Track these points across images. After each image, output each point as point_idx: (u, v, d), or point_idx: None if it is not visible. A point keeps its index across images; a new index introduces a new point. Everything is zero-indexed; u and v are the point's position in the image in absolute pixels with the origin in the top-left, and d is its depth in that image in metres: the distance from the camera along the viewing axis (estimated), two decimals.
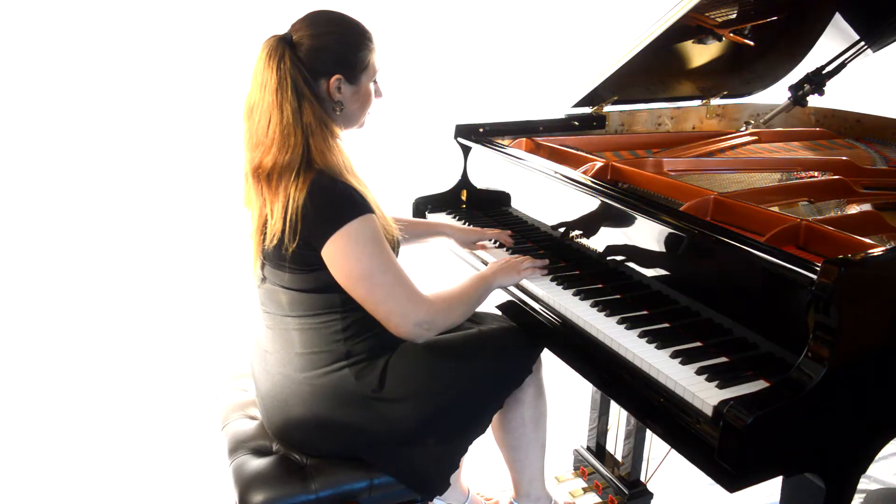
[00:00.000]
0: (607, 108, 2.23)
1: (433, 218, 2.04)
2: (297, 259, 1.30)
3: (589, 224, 1.57)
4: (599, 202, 1.52)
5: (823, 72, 2.10)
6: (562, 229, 1.68)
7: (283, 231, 1.26)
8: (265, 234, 1.30)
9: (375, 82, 1.42)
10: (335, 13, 1.36)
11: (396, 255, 1.39)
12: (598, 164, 1.75)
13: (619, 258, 1.48)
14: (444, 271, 1.94)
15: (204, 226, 3.38)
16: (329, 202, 1.26)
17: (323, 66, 1.31)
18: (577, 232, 1.61)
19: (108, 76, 3.22)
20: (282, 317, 1.37)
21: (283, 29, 1.35)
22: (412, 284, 1.33)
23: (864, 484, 2.07)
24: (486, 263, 1.70)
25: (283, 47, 1.28)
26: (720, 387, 1.10)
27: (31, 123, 3.19)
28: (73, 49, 3.14)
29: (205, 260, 3.33)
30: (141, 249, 3.35)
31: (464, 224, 1.95)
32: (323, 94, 1.33)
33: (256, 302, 1.44)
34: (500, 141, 2.01)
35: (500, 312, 1.65)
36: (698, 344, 1.24)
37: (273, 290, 1.37)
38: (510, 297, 1.61)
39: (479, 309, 1.65)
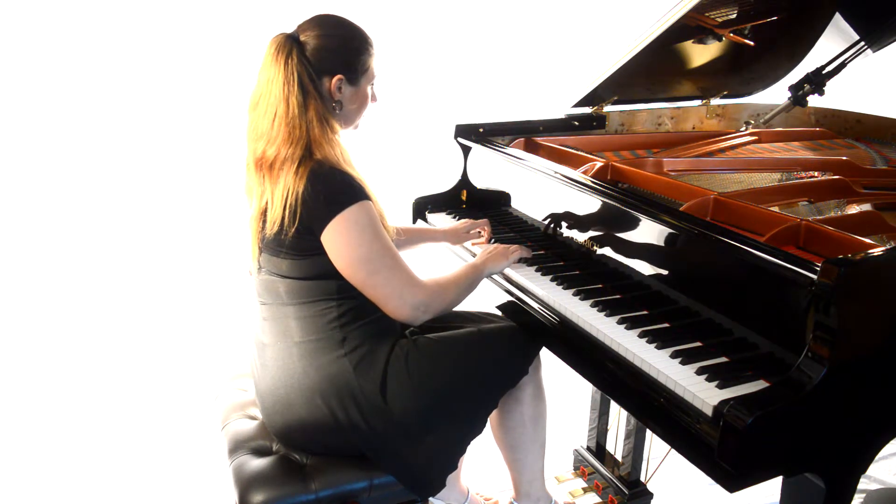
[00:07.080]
0: (607, 108, 2.23)
1: (433, 219, 2.04)
2: (294, 245, 1.33)
3: (589, 224, 1.57)
4: (599, 202, 1.52)
5: (823, 72, 2.10)
6: (561, 229, 1.68)
7: (282, 217, 1.30)
8: (265, 221, 1.35)
9: (372, 86, 1.49)
10: (341, 17, 1.43)
11: None
12: (598, 164, 1.75)
13: (619, 258, 1.48)
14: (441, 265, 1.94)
15: (203, 226, 3.38)
16: (329, 188, 1.31)
17: (327, 66, 1.38)
18: (577, 232, 1.61)
19: (104, 73, 3.22)
20: (279, 306, 1.40)
21: (283, 29, 1.39)
22: (409, 269, 1.38)
23: (864, 484, 2.07)
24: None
25: (291, 44, 1.34)
26: (720, 387, 1.10)
27: (26, 117, 3.19)
28: (71, 46, 3.14)
29: (204, 260, 3.33)
30: (140, 250, 3.35)
31: (455, 218, 1.96)
32: (325, 92, 1.39)
33: (253, 293, 1.47)
34: (500, 141, 2.01)
35: (500, 312, 1.65)
36: (698, 344, 1.24)
37: (270, 280, 1.40)
38: (510, 298, 1.61)
39: (480, 309, 1.68)
